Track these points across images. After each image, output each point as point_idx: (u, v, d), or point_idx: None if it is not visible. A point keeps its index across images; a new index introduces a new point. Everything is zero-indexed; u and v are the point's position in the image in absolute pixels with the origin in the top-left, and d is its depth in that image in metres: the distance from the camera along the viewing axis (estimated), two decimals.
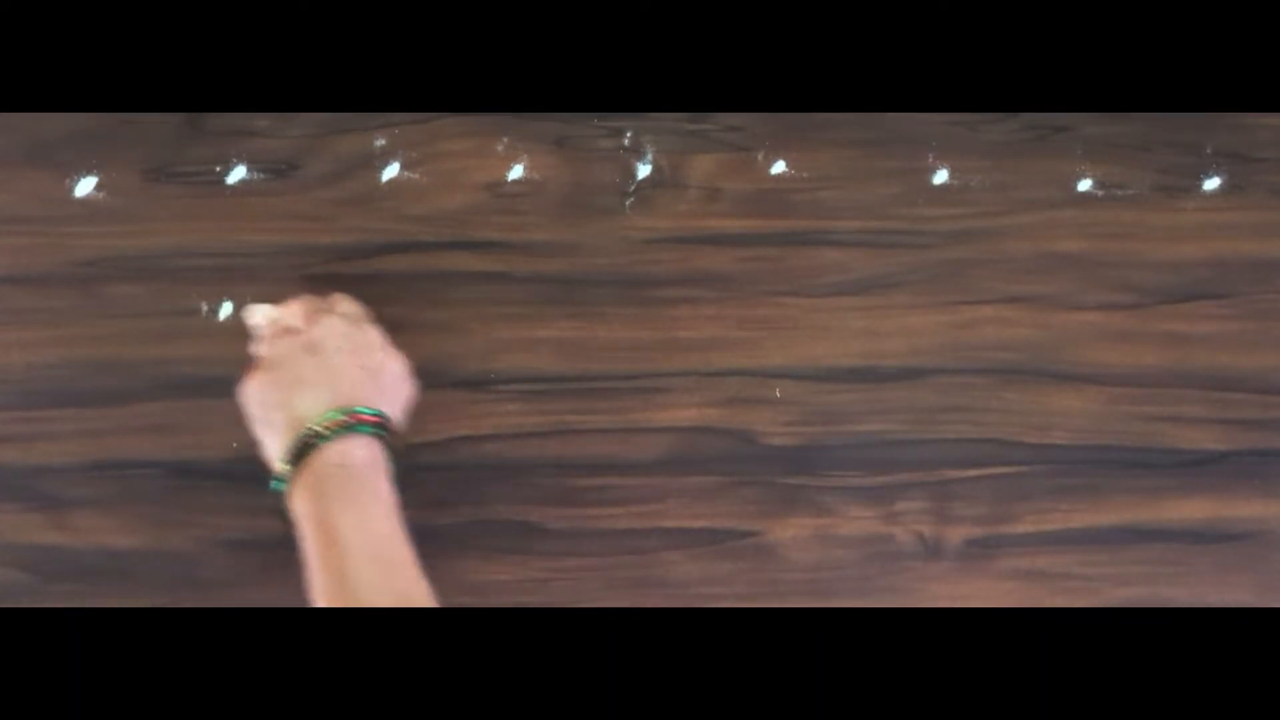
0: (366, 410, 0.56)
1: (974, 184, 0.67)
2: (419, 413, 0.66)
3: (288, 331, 0.59)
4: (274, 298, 0.64)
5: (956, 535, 0.68)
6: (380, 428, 0.57)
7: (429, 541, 0.66)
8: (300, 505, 0.54)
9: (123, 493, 0.65)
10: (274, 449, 0.57)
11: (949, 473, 0.68)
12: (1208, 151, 0.68)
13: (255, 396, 0.58)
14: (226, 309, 0.65)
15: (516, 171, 0.66)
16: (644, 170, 0.66)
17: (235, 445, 0.65)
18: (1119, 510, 0.69)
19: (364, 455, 0.55)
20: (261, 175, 0.65)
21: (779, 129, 0.67)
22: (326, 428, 0.55)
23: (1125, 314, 0.68)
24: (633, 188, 0.66)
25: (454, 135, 0.66)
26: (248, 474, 0.65)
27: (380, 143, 0.65)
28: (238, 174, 0.65)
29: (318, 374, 0.57)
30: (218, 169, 0.65)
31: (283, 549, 0.65)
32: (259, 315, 0.61)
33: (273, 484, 0.56)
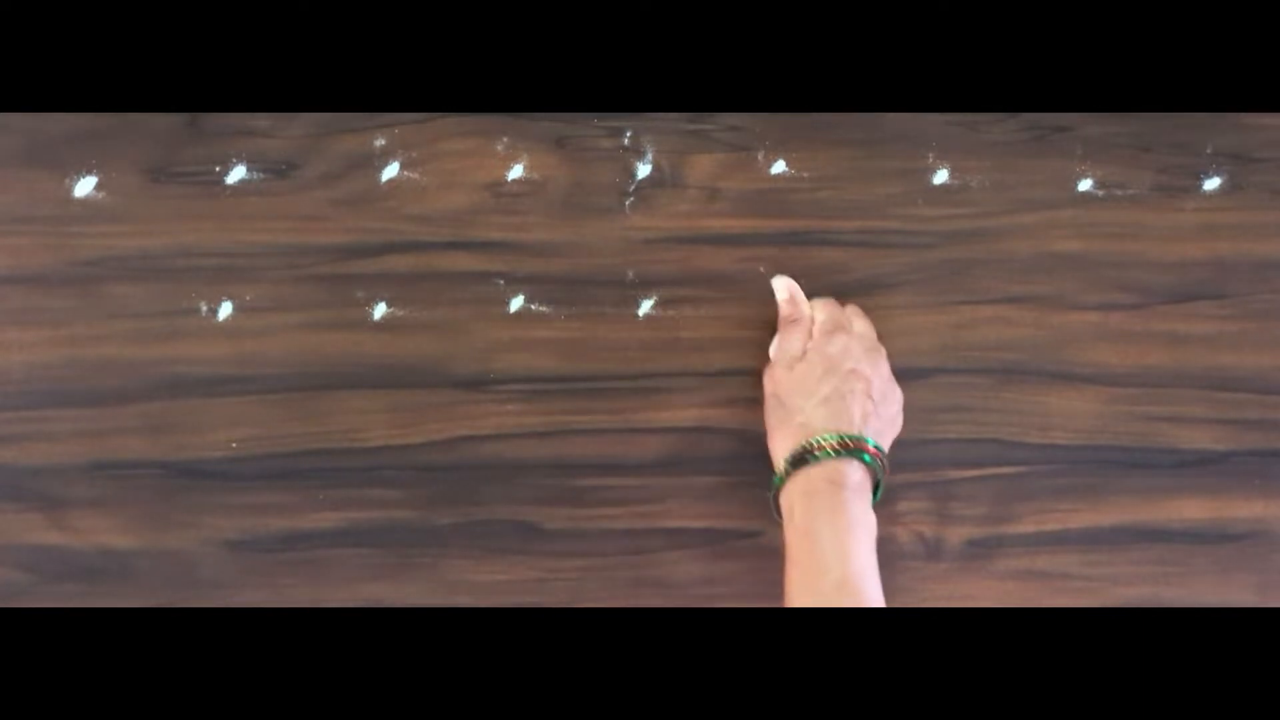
0: (870, 441, 0.59)
1: (974, 184, 0.67)
2: (419, 412, 0.66)
3: (803, 324, 0.64)
4: (274, 298, 0.65)
5: (957, 535, 0.68)
6: (877, 460, 0.60)
7: (429, 541, 0.66)
8: (791, 510, 0.59)
9: (123, 493, 0.65)
10: (778, 446, 0.61)
11: (949, 473, 0.68)
12: (1208, 151, 0.68)
13: (772, 389, 0.63)
14: (226, 309, 0.65)
15: (516, 171, 0.66)
16: (644, 170, 0.66)
17: (235, 445, 0.65)
18: (1119, 510, 0.69)
19: (858, 481, 0.59)
20: (261, 175, 0.65)
21: (779, 129, 0.67)
22: (829, 447, 0.58)
23: (1125, 314, 0.68)
24: (633, 188, 0.66)
25: (454, 135, 0.66)
26: (248, 474, 0.65)
27: (380, 143, 0.65)
28: (238, 174, 0.65)
29: (830, 394, 0.61)
30: (218, 169, 0.65)
31: (283, 549, 0.66)
32: (783, 289, 0.66)
33: (774, 479, 0.61)
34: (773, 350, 0.65)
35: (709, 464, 0.67)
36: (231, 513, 0.65)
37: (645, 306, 0.66)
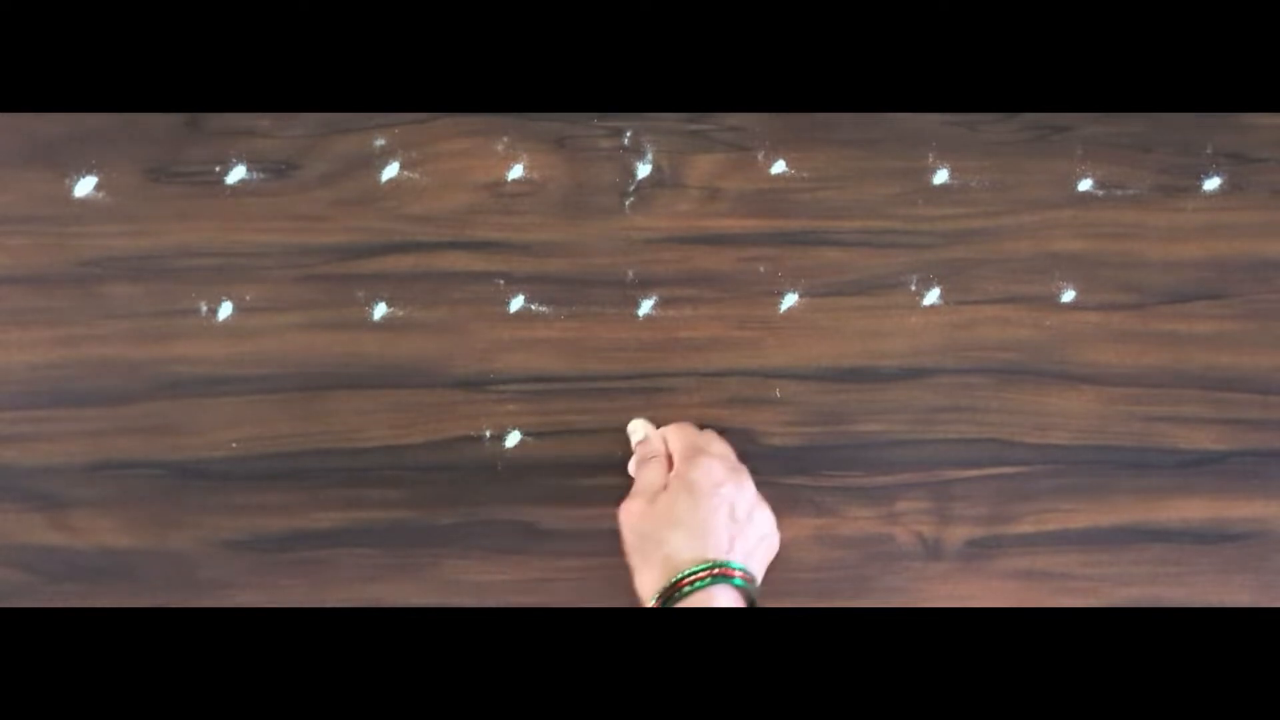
0: (735, 565, 0.57)
1: (974, 184, 0.67)
2: (419, 412, 0.66)
3: (660, 458, 0.62)
4: (274, 298, 0.65)
5: (957, 535, 0.68)
6: (747, 583, 0.57)
7: (429, 541, 0.66)
8: None
9: (123, 493, 0.65)
10: (644, 582, 0.58)
11: (949, 473, 0.68)
12: (1208, 151, 0.68)
13: (631, 524, 0.60)
14: (226, 309, 0.65)
15: (516, 171, 0.66)
16: (644, 170, 0.66)
17: (235, 445, 0.65)
18: (1119, 510, 0.69)
19: (726, 605, 0.56)
20: (261, 175, 0.65)
21: (779, 129, 0.67)
22: (697, 578, 0.56)
23: (1125, 314, 0.68)
24: (633, 188, 0.66)
25: (454, 135, 0.66)
26: (248, 474, 0.65)
27: (380, 143, 0.65)
28: (238, 174, 0.65)
29: (692, 518, 0.58)
30: (218, 169, 0.65)
31: (283, 549, 0.66)
32: (638, 430, 0.65)
33: None
34: (633, 484, 0.63)
35: None
36: (231, 513, 0.65)
37: (645, 306, 0.66)
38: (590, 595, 0.67)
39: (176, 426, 0.65)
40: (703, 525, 0.57)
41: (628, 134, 0.66)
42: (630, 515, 0.60)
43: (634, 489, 0.62)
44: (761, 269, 0.67)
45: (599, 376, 0.66)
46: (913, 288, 0.67)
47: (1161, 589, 0.69)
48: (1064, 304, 0.68)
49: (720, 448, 0.63)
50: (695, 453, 0.61)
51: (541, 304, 0.66)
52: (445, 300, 0.66)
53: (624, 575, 0.67)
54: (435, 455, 0.66)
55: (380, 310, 0.65)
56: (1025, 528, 0.68)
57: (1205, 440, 0.69)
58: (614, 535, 0.67)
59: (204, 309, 0.65)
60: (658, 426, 0.66)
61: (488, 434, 0.66)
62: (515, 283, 0.66)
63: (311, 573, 0.66)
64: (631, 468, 0.64)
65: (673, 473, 0.60)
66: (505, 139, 0.66)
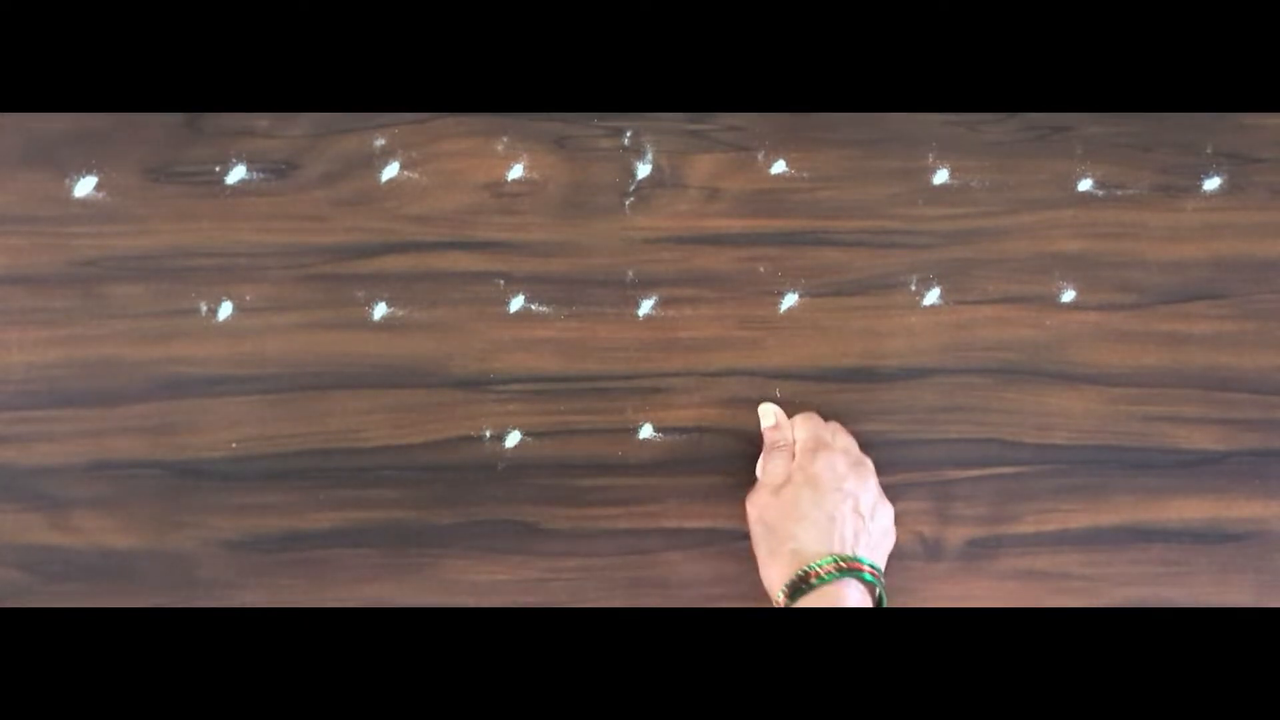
0: (864, 560, 0.58)
1: (974, 184, 0.67)
2: (419, 412, 0.66)
3: (787, 448, 0.63)
4: (274, 298, 0.65)
5: (957, 535, 0.68)
6: (874, 578, 0.58)
7: (429, 541, 0.66)
8: None
9: (123, 493, 0.65)
10: (771, 575, 0.59)
11: (949, 473, 0.68)
12: (1208, 151, 0.68)
13: (757, 515, 0.62)
14: (226, 309, 0.65)
15: (516, 171, 0.66)
16: (644, 170, 0.66)
17: (235, 445, 0.65)
18: (1119, 510, 0.69)
19: (856, 600, 0.57)
20: (261, 175, 0.65)
21: (779, 129, 0.67)
22: (825, 570, 0.57)
23: (1125, 314, 0.68)
24: (633, 188, 0.66)
25: (454, 135, 0.66)
26: (248, 474, 0.65)
27: (380, 143, 0.65)
28: (237, 174, 0.65)
29: (817, 513, 0.59)
30: (218, 169, 0.65)
31: (283, 549, 0.66)
32: (769, 415, 0.65)
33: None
34: (758, 474, 0.64)
35: (709, 464, 0.67)
36: (231, 513, 0.65)
37: (645, 306, 0.66)
38: (590, 595, 0.67)
39: (176, 426, 0.65)
40: (828, 520, 0.59)
41: (628, 134, 0.66)
42: (756, 506, 0.61)
43: (760, 480, 0.63)
44: (761, 269, 0.67)
45: (599, 376, 0.66)
46: (912, 288, 0.67)
47: (1161, 589, 0.69)
48: (1064, 304, 0.68)
49: (844, 441, 0.63)
50: (818, 445, 0.62)
51: (541, 304, 0.66)
52: (445, 300, 0.66)
53: (623, 575, 0.68)
54: (435, 455, 0.66)
55: (380, 310, 0.65)
56: (1025, 528, 0.68)
57: (1205, 440, 0.69)
58: (614, 535, 0.67)
59: (204, 309, 0.65)
60: (663, 426, 0.66)
61: (488, 434, 0.66)
62: (515, 283, 0.66)
63: (311, 573, 0.66)
64: (761, 459, 0.65)
65: (796, 465, 0.61)
66: (505, 139, 0.66)
